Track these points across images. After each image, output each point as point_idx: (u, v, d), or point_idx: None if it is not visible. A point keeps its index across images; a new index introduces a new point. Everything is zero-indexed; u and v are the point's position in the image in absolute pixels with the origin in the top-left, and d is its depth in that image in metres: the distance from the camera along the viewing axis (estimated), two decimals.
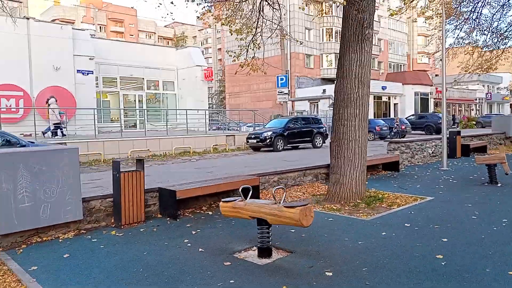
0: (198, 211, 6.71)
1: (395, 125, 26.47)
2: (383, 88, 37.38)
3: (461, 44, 23.69)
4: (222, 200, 4.84)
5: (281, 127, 18.00)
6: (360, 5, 6.98)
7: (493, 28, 22.77)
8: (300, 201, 7.04)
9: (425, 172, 10.66)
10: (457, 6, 20.41)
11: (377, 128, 25.48)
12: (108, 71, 22.02)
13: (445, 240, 4.85)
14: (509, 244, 4.65)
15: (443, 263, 4.09)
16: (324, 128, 20.39)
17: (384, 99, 39.22)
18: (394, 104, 39.95)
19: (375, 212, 6.42)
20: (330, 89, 38.76)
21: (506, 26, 22.70)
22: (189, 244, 4.92)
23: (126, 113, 23.64)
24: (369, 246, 4.72)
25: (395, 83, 39.38)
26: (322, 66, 43.35)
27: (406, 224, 5.59)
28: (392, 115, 38.54)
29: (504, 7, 21.48)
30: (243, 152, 16.92)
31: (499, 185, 8.36)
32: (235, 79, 43.53)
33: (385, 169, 10.89)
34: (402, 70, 48.11)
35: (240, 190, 4.73)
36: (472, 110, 49.75)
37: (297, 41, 11.53)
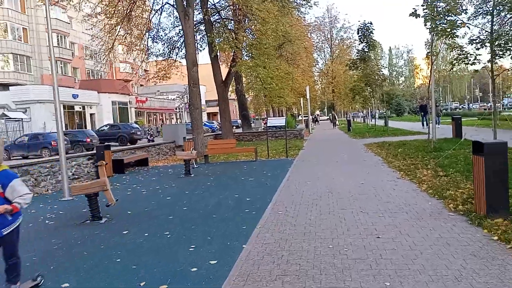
0: None
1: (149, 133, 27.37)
2: (74, 96, 33.17)
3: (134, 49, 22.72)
4: None
5: None
6: None
7: (167, 37, 22.99)
8: None
9: (27, 210, 7.60)
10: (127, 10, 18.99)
11: (53, 143, 21.22)
12: None
13: None
14: None
15: None
16: None
17: (78, 108, 35.06)
18: (91, 114, 36.41)
19: None
20: (2, 96, 30.94)
21: (176, 36, 23.38)
22: None
23: None
24: None
25: (90, 91, 35.91)
26: None
27: None
28: (88, 127, 34.94)
29: (172, 16, 21.70)
30: None
31: (102, 221, 6.22)
32: None
33: None
34: (102, 78, 45.24)
35: None
36: (173, 118, 52.61)
37: None
